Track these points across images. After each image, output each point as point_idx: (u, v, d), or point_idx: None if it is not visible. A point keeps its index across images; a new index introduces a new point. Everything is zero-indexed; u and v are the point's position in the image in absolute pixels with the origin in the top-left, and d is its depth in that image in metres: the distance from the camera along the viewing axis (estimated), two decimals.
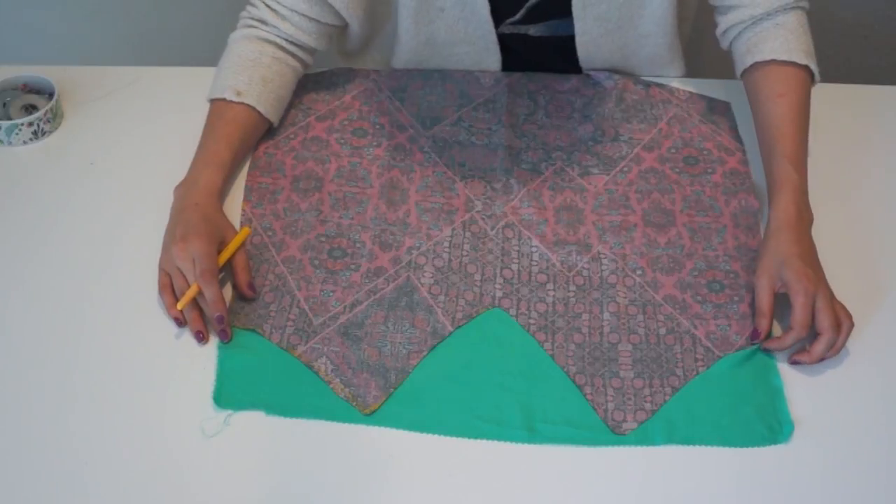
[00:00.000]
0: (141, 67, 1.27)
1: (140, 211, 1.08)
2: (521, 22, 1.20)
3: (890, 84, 1.26)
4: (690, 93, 1.22)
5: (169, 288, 0.97)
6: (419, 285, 1.00)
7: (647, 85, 1.23)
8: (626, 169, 1.13)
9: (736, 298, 1.00)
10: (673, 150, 1.15)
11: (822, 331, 0.93)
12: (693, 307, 0.99)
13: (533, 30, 1.22)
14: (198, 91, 1.22)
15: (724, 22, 1.14)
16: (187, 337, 0.96)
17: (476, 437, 0.89)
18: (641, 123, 1.18)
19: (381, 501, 0.85)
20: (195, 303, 0.96)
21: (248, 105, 1.09)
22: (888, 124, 1.21)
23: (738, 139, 1.17)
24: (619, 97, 1.21)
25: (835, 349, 0.94)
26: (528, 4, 1.16)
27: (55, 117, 1.17)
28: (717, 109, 1.21)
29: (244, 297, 0.98)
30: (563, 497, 0.85)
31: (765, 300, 0.96)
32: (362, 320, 0.97)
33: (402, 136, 1.16)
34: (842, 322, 0.94)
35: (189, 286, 0.95)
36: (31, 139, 1.15)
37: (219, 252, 0.98)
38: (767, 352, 0.95)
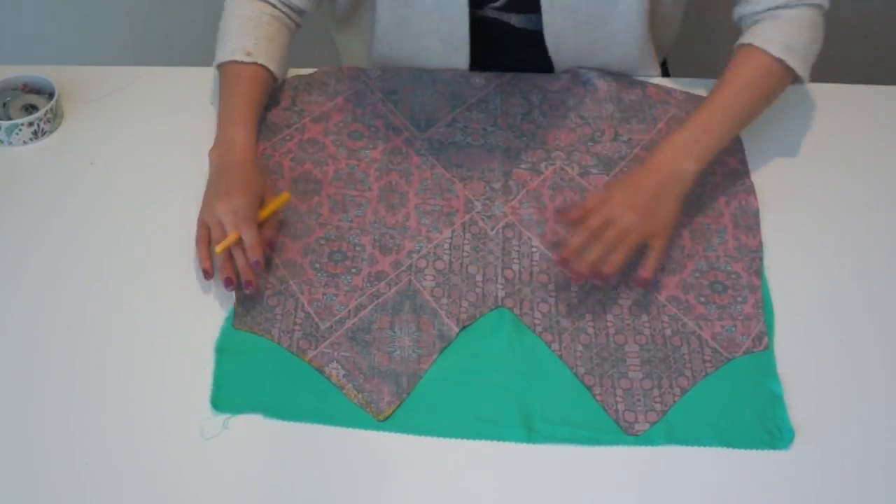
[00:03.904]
0: (141, 67, 1.27)
1: (140, 211, 1.08)
2: (503, 9, 1.20)
3: (890, 84, 1.26)
4: (688, 94, 1.22)
5: (205, 240, 0.99)
6: (421, 288, 1.00)
7: (644, 85, 1.23)
8: (625, 169, 1.13)
9: (739, 299, 1.00)
10: None
11: (594, 235, 0.97)
12: (697, 308, 0.99)
13: (514, 19, 1.22)
14: (198, 91, 1.23)
15: (735, 12, 1.13)
16: (187, 338, 0.96)
17: (485, 439, 0.89)
18: (640, 124, 1.18)
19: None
20: (228, 251, 0.98)
21: (260, 64, 1.11)
22: (888, 124, 1.21)
23: (738, 139, 1.17)
24: (617, 97, 1.21)
25: (610, 262, 0.96)
26: None
27: (55, 117, 1.17)
28: None
29: (259, 255, 0.98)
30: (565, 497, 0.85)
31: (589, 200, 1.00)
32: (368, 325, 0.97)
33: (397, 138, 1.16)
34: (623, 243, 0.96)
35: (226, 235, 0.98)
36: (31, 139, 1.15)
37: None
38: (561, 261, 0.97)
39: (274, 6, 1.16)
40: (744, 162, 1.14)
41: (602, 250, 0.97)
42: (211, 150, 1.06)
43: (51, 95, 1.17)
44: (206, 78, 1.25)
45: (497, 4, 1.19)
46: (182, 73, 1.26)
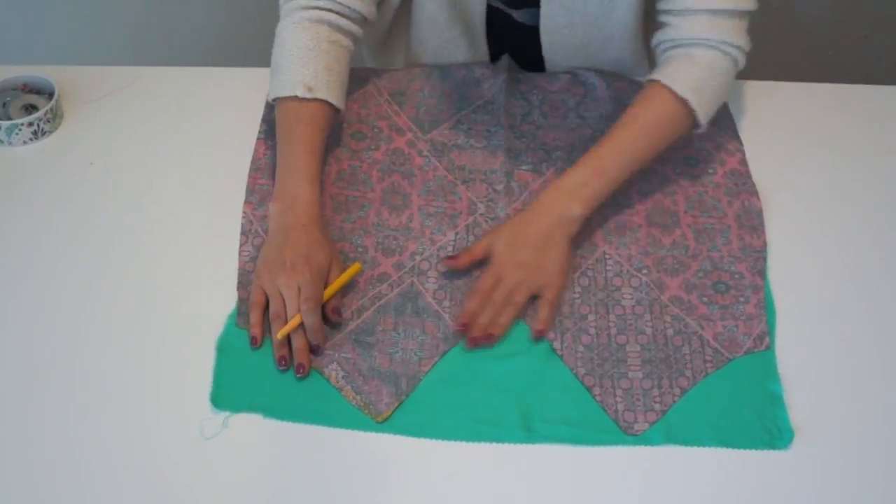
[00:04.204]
0: (141, 67, 1.27)
1: (140, 211, 1.08)
2: (508, 4, 1.20)
3: (890, 84, 1.26)
4: None
5: (260, 307, 0.95)
6: (423, 291, 1.00)
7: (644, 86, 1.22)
8: None
9: (742, 299, 1.00)
10: (673, 151, 1.15)
11: (483, 297, 0.97)
12: (699, 308, 0.99)
13: (517, 14, 1.22)
14: (198, 91, 1.23)
15: (654, 38, 1.11)
16: (187, 338, 0.96)
17: (484, 441, 0.89)
18: None
19: None
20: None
21: (321, 100, 1.05)
22: (888, 124, 1.21)
23: (738, 139, 1.17)
24: (616, 98, 1.21)
25: (499, 324, 0.96)
26: None
27: (55, 117, 1.17)
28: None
29: (328, 321, 0.96)
30: (563, 497, 0.85)
31: (470, 250, 1.01)
32: (372, 327, 0.97)
33: (400, 139, 1.16)
34: (511, 302, 0.96)
35: (286, 311, 0.94)
36: (31, 139, 1.15)
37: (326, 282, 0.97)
38: (459, 326, 0.96)
39: (332, 26, 1.09)
40: (744, 162, 1.14)
41: (492, 313, 0.96)
42: (271, 203, 1.01)
43: (51, 95, 1.17)
44: (206, 78, 1.25)
45: None
46: (182, 73, 1.26)
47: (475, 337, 0.95)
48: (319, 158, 1.04)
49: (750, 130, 1.18)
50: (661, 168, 1.13)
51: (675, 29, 1.06)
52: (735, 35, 1.05)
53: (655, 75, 1.06)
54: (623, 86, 1.22)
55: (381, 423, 0.90)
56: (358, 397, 0.92)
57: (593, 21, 1.15)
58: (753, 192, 1.10)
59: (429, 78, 1.22)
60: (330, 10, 1.09)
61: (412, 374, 0.94)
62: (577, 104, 1.20)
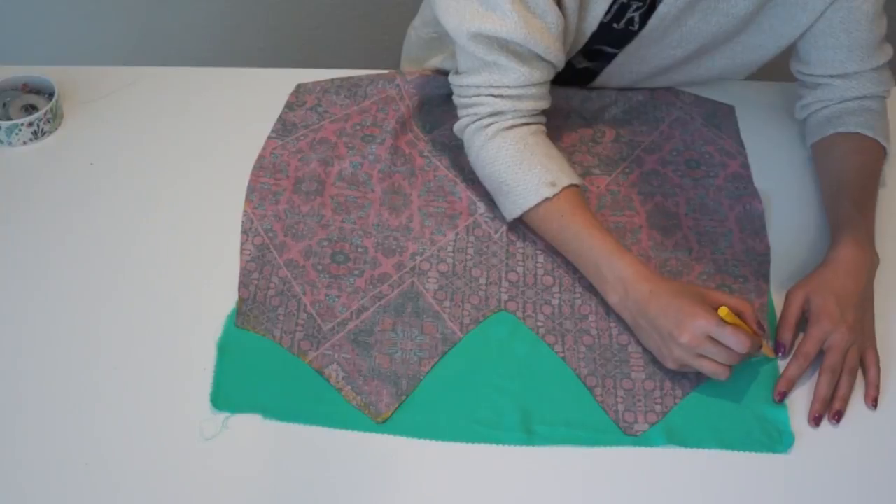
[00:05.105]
0: (141, 67, 1.27)
1: (140, 211, 1.08)
2: (579, 53, 1.16)
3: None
4: (696, 96, 1.22)
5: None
6: (423, 291, 1.00)
7: (653, 88, 1.22)
8: (627, 170, 1.13)
9: None
10: (674, 153, 1.15)
11: (821, 370, 0.92)
12: None
13: (581, 62, 1.18)
14: (198, 91, 1.23)
15: (810, 96, 1.13)
16: (187, 338, 0.96)
17: (484, 442, 0.89)
18: (643, 126, 1.18)
19: None
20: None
21: (568, 186, 1.01)
22: (890, 125, 1.20)
23: (740, 143, 1.17)
24: (625, 98, 1.20)
25: (839, 397, 0.91)
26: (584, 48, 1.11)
27: (55, 117, 1.17)
28: (722, 113, 1.20)
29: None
30: (563, 498, 0.85)
31: (788, 311, 0.96)
32: (371, 327, 0.97)
33: (402, 139, 1.16)
34: (847, 368, 0.92)
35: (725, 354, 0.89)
36: (31, 139, 1.15)
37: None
38: (782, 397, 0.92)
39: (525, 125, 1.05)
40: (745, 166, 1.14)
41: (832, 380, 0.92)
42: (609, 297, 0.97)
43: (51, 95, 1.17)
44: (206, 78, 1.25)
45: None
46: (182, 73, 1.26)
47: (819, 415, 0.91)
48: (606, 232, 0.99)
49: (751, 132, 1.18)
50: (662, 170, 1.13)
51: (843, 89, 1.10)
52: (890, 81, 1.11)
53: (852, 128, 1.09)
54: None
55: (381, 423, 0.90)
56: (358, 398, 0.92)
57: (658, 63, 1.15)
58: (755, 195, 1.10)
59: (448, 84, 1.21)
60: (521, 116, 1.05)
61: (412, 374, 0.94)
62: (581, 103, 1.20)
